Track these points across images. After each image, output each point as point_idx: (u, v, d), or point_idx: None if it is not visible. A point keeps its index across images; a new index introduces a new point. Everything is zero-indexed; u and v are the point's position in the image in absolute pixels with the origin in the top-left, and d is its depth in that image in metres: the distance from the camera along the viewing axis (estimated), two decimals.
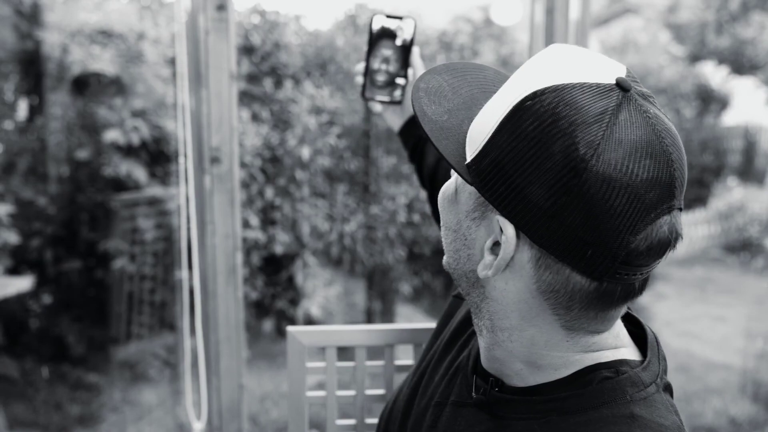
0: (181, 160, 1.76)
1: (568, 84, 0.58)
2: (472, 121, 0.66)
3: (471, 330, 0.83)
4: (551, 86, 0.58)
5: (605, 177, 0.55)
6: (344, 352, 1.19)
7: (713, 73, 7.95)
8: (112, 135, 3.38)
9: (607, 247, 0.57)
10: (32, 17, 3.56)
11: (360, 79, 1.11)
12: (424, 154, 1.16)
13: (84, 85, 3.50)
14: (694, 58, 8.58)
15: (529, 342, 0.66)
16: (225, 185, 1.77)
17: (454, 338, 0.86)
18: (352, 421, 1.16)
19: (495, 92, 0.66)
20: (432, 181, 1.15)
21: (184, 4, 1.71)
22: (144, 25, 3.67)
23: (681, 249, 7.11)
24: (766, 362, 3.51)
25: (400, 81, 1.10)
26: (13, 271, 3.32)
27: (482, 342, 0.72)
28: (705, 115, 7.58)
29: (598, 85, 0.58)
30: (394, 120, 1.19)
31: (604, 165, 0.55)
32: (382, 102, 1.12)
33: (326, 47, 4.20)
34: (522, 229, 0.60)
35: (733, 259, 6.75)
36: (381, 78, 1.09)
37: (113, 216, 3.51)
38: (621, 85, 0.58)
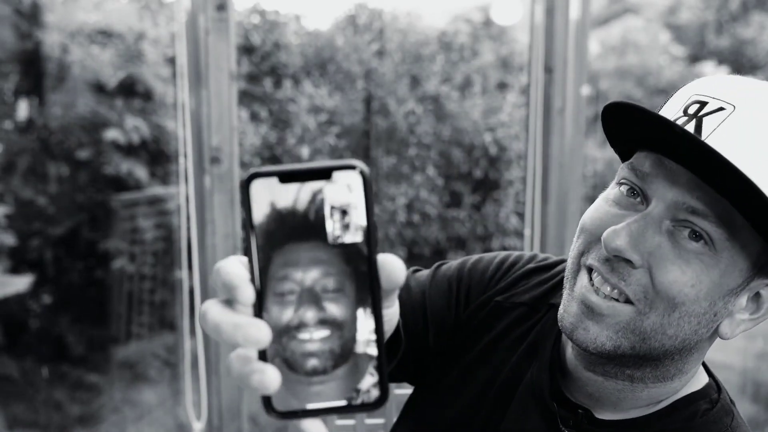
0: (181, 159, 1.76)
1: None
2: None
3: (529, 342, 0.76)
4: None
5: None
6: None
7: (713, 74, 7.95)
8: (112, 134, 3.38)
9: None
10: (32, 17, 3.56)
11: (270, 377, 0.39)
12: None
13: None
14: (694, 58, 8.58)
15: (688, 373, 0.67)
16: (225, 185, 1.77)
17: (507, 347, 0.78)
18: (352, 422, 1.16)
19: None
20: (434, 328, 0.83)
21: (184, 4, 1.71)
22: (144, 24, 3.67)
23: None
24: (766, 362, 3.52)
25: (361, 343, 0.42)
26: (13, 271, 3.32)
27: (617, 385, 0.67)
28: None
29: None
30: None
31: None
32: (325, 414, 0.43)
33: (326, 47, 4.20)
34: None
35: None
36: (314, 347, 0.42)
37: (113, 216, 3.50)
38: None
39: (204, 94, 1.71)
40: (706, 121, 0.60)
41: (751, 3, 8.97)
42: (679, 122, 0.61)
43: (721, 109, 0.60)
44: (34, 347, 3.39)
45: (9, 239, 3.17)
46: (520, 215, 4.06)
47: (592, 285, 0.63)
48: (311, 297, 0.42)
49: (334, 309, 0.42)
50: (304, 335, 0.42)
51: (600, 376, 0.67)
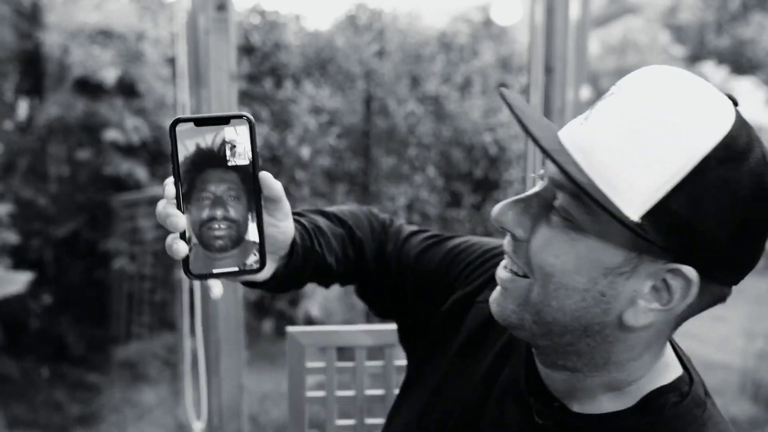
0: None
1: (731, 130, 0.59)
2: (583, 170, 0.61)
3: (502, 344, 0.79)
4: (722, 139, 0.58)
5: None
6: (344, 352, 1.19)
7: (713, 74, 7.95)
8: (112, 135, 3.38)
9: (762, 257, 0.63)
10: (32, 17, 3.56)
11: (179, 247, 0.62)
12: (325, 260, 0.81)
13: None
14: (694, 58, 8.58)
15: (638, 367, 0.67)
16: None
17: (476, 352, 0.81)
18: (351, 421, 1.16)
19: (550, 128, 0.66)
20: (381, 259, 0.91)
21: (184, 4, 1.71)
22: (144, 25, 3.67)
23: None
24: (766, 362, 3.51)
25: (250, 233, 0.65)
26: (14, 269, 3.32)
27: (561, 375, 0.69)
28: None
29: (738, 119, 0.60)
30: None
31: None
32: (227, 277, 0.65)
33: (326, 47, 4.20)
34: (703, 270, 0.60)
35: None
36: (221, 233, 0.64)
37: (113, 216, 3.51)
38: (733, 101, 0.62)
39: (204, 94, 1.71)
40: (597, 105, 0.64)
41: (751, 3, 8.97)
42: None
43: (611, 94, 0.63)
44: (34, 347, 3.39)
45: (12, 237, 3.17)
46: None
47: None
48: (219, 202, 0.63)
49: (233, 210, 0.64)
50: (214, 225, 0.64)
51: (549, 368, 0.70)
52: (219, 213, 0.63)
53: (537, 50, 1.93)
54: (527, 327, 0.66)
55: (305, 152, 3.78)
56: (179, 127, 0.61)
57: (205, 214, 0.63)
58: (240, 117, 0.62)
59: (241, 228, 0.64)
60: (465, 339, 0.82)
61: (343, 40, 4.21)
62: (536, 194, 0.66)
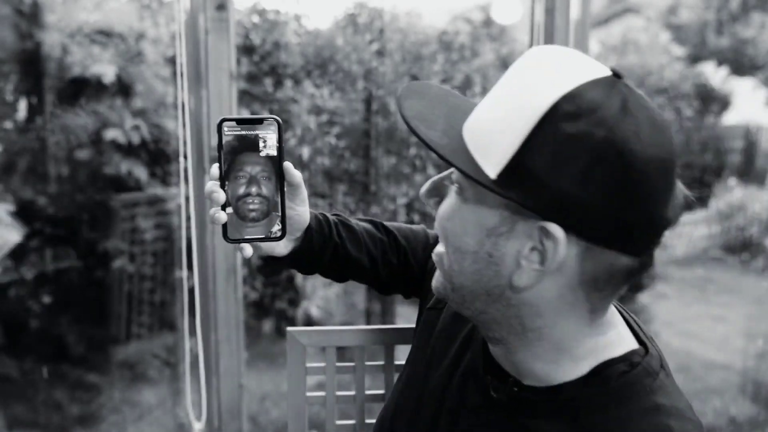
0: (181, 160, 1.76)
1: (580, 86, 0.60)
2: (464, 139, 0.67)
3: (464, 335, 0.84)
4: (567, 93, 0.60)
5: (648, 160, 0.59)
6: (344, 352, 1.19)
7: (713, 73, 7.95)
8: (112, 134, 3.38)
9: (653, 223, 0.62)
10: (32, 17, 3.56)
11: (220, 216, 0.80)
12: (347, 252, 0.95)
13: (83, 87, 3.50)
14: (695, 58, 8.57)
15: (559, 336, 0.68)
16: None
17: (446, 346, 0.86)
18: (351, 422, 1.16)
19: (462, 107, 0.71)
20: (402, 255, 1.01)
21: (184, 4, 1.71)
22: (144, 24, 3.67)
23: (681, 249, 7.08)
24: (766, 362, 3.51)
25: (275, 208, 0.83)
26: (14, 270, 3.32)
27: (499, 349, 0.73)
28: (705, 115, 7.57)
29: (604, 80, 0.62)
30: (276, 244, 0.89)
31: (640, 146, 0.59)
32: (255, 241, 0.83)
33: (326, 46, 4.19)
34: (571, 229, 0.61)
35: (733, 259, 6.75)
36: (254, 206, 0.82)
37: (113, 216, 3.50)
38: (617, 74, 0.62)
39: (204, 94, 1.71)
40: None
41: (751, 3, 8.96)
42: None
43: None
44: (34, 347, 3.39)
45: (14, 236, 3.17)
46: None
47: None
48: (254, 180, 0.81)
49: (265, 188, 0.82)
50: (248, 200, 0.81)
51: (490, 344, 0.75)
52: (254, 189, 0.81)
53: None
54: (450, 296, 0.72)
55: (305, 152, 3.78)
56: (225, 125, 0.80)
57: (242, 190, 0.81)
58: (270, 119, 0.81)
59: (270, 203, 0.82)
60: (439, 331, 0.88)
61: (343, 40, 4.21)
62: (450, 173, 0.73)
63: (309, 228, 0.90)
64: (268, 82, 3.91)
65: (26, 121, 3.74)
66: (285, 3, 4.15)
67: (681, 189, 0.65)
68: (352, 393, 1.16)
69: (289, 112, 3.87)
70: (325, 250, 0.92)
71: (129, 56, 3.54)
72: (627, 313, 0.77)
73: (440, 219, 0.71)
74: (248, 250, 0.83)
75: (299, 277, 3.89)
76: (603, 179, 0.59)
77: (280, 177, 0.82)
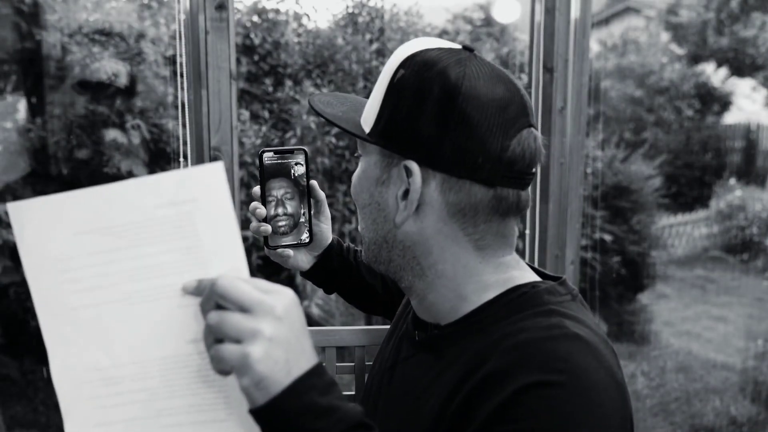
0: (181, 159, 1.76)
1: (428, 48, 0.74)
2: (361, 115, 0.79)
3: (406, 311, 0.92)
4: (416, 52, 0.73)
5: (474, 96, 0.70)
6: (344, 352, 1.19)
7: (713, 73, 7.95)
8: (112, 134, 3.37)
9: (491, 151, 0.70)
10: (32, 17, 3.56)
11: (267, 228, 0.99)
12: (361, 275, 1.11)
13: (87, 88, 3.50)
14: (695, 58, 8.57)
15: (453, 271, 0.76)
16: None
17: (395, 324, 0.96)
18: None
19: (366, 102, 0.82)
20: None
21: (184, 4, 1.71)
22: (144, 24, 3.67)
23: (681, 249, 7.08)
24: (766, 362, 3.51)
25: (303, 220, 1.03)
26: (14, 270, 3.32)
27: (415, 298, 0.81)
28: (705, 114, 7.57)
29: (450, 48, 0.75)
30: (301, 260, 1.08)
31: (471, 88, 0.70)
32: (289, 247, 1.03)
33: (326, 46, 4.19)
34: (424, 162, 0.72)
35: (733, 259, 6.75)
36: (282, 223, 1.01)
37: None
38: (467, 48, 0.75)
39: (204, 94, 1.71)
40: None
41: (751, 3, 8.96)
42: None
43: None
44: (34, 347, 3.39)
45: (12, 237, 3.17)
46: None
47: None
48: (280, 203, 1.01)
49: (289, 207, 1.02)
50: (278, 218, 1.01)
51: (411, 299, 0.83)
52: (280, 210, 1.01)
53: (537, 49, 1.93)
54: (368, 256, 0.82)
55: None
56: (264, 154, 1.00)
57: (272, 211, 1.00)
58: (300, 149, 1.01)
59: (295, 218, 1.02)
60: (396, 315, 0.98)
61: (343, 39, 4.21)
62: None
63: (330, 246, 1.08)
64: (268, 82, 3.90)
65: (26, 121, 3.74)
66: (285, 3, 4.14)
67: (536, 136, 0.73)
68: (352, 393, 1.16)
69: (290, 112, 3.87)
70: (343, 269, 1.09)
71: (129, 56, 3.54)
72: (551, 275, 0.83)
73: (353, 184, 0.81)
74: (286, 253, 1.04)
75: (299, 277, 3.89)
76: (432, 110, 0.70)
77: (307, 195, 1.02)
